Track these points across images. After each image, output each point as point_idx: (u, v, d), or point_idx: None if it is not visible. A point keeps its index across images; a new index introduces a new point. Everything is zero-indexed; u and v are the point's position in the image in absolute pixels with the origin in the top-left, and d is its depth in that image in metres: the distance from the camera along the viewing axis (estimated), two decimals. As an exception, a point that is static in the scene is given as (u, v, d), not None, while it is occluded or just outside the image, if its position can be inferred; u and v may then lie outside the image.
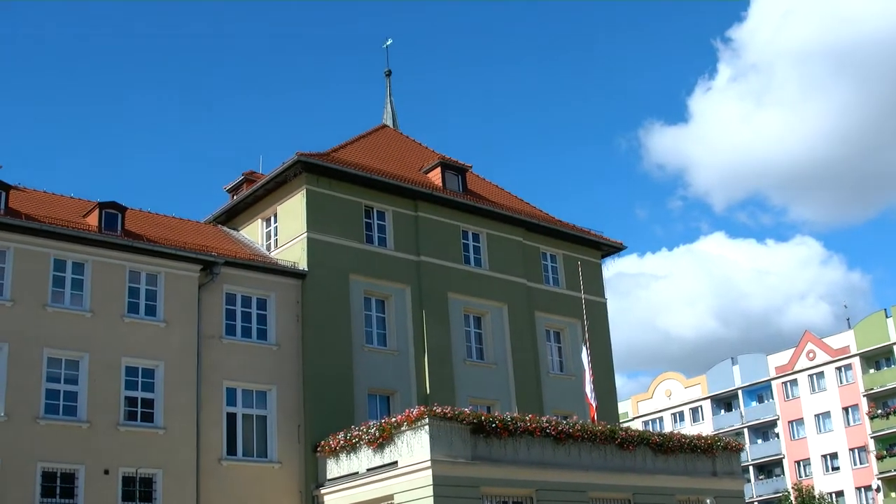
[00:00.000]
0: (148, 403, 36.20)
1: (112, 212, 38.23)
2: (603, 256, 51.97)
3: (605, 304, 50.62)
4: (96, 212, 38.07)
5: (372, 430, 35.51)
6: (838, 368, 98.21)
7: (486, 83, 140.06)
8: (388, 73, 55.89)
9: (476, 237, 46.44)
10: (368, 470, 35.63)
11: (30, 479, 33.15)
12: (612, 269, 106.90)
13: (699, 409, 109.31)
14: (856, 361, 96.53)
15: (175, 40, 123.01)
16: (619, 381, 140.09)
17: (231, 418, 37.88)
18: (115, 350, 35.86)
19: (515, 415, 36.69)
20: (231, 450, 37.51)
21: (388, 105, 55.34)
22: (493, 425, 34.87)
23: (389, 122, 54.26)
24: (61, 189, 44.84)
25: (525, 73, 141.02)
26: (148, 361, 36.49)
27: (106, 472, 34.40)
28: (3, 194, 36.63)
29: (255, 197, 44.08)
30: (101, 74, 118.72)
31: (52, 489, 33.63)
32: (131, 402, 35.93)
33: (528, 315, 46.81)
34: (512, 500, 35.29)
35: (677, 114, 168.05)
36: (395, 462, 34.54)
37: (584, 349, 41.99)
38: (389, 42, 56.33)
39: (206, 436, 36.84)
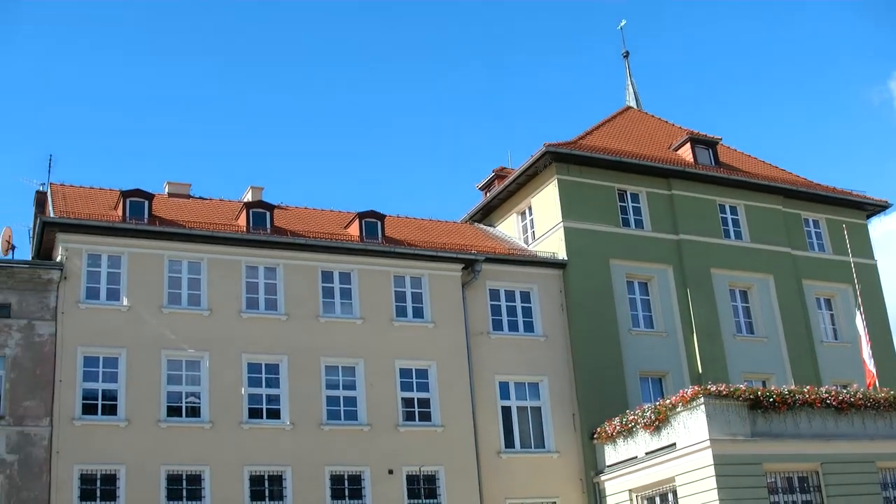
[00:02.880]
0: (424, 403, 37.08)
1: (372, 220, 39.45)
2: (868, 216, 50.01)
3: (875, 266, 48.64)
4: (357, 222, 39.35)
5: (647, 414, 35.25)
6: None
7: (726, 51, 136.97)
8: (626, 55, 55.40)
9: (734, 210, 45.54)
10: (647, 454, 35.38)
11: (319, 482, 34.51)
12: (878, 228, 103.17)
13: None
14: None
15: (414, 42, 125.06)
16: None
17: (506, 411, 38.31)
18: (388, 354, 36.92)
19: (793, 387, 35.71)
20: (509, 442, 37.97)
21: (630, 86, 54.82)
22: (771, 399, 34.02)
23: (632, 103, 53.75)
24: (320, 203, 46.37)
25: (765, 35, 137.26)
26: (420, 362, 37.39)
27: (390, 471, 35.41)
28: (268, 214, 38.20)
29: (508, 192, 44.60)
30: (344, 83, 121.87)
31: (341, 491, 34.87)
32: (408, 402, 36.90)
33: (796, 284, 45.55)
34: (797, 475, 34.30)
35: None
36: (674, 444, 34.16)
37: (858, 315, 40.57)
38: (624, 23, 55.86)
39: (484, 430, 37.41)
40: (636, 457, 35.93)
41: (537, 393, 39.02)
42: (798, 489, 33.99)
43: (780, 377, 42.47)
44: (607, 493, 37.25)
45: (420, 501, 35.33)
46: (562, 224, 41.20)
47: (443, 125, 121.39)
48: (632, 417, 36.07)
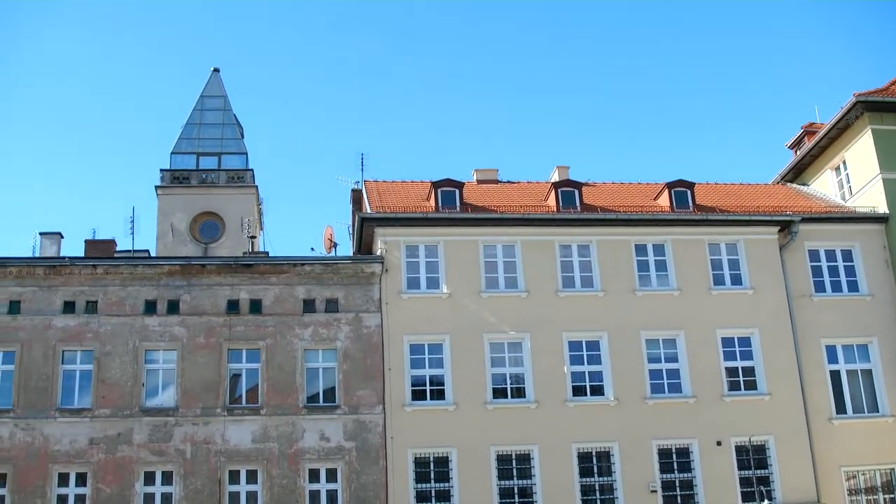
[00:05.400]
0: (748, 371, 36.39)
1: (681, 190, 39.03)
2: None
3: None
4: (666, 192, 39.01)
5: None
6: None
7: None
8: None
9: None
10: None
11: (647, 456, 34.64)
12: None
13: None
14: None
15: (717, 10, 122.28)
16: None
17: (834, 375, 37.07)
18: (708, 323, 36.45)
19: None
20: (840, 408, 36.71)
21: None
22: None
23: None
24: (627, 177, 46.23)
25: None
26: (742, 330, 36.68)
27: (718, 443, 35.03)
28: (577, 192, 38.48)
29: (819, 148, 42.98)
30: (639, 56, 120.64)
31: (669, 465, 34.86)
32: (731, 372, 36.33)
33: None
34: None
35: None
36: None
37: None
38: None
39: (812, 396, 36.39)
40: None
41: (867, 355, 37.53)
42: None
43: None
44: (950, 457, 35.65)
45: (751, 472, 34.71)
46: (880, 176, 39.43)
47: (746, 86, 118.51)
48: (972, 375, 34.28)
